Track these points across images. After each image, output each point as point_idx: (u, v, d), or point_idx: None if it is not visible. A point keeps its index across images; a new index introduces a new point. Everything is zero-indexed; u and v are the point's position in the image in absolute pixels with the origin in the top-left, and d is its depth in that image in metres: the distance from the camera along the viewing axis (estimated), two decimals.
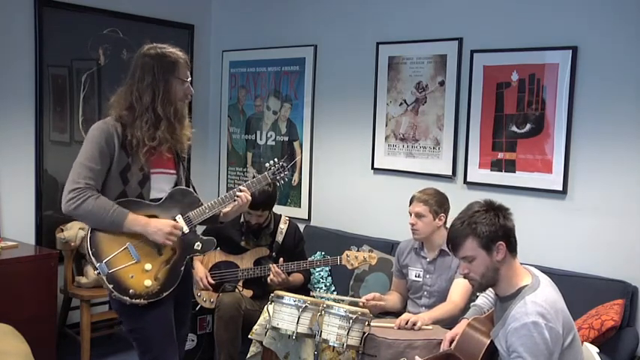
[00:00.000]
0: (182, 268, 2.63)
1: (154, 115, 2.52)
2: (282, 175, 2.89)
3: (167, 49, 2.59)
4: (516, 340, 2.08)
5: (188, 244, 2.64)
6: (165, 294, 2.55)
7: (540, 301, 2.11)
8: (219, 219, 2.82)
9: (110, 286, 2.47)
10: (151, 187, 2.59)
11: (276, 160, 2.92)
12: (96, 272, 2.49)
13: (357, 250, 3.49)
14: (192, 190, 2.73)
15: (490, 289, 2.45)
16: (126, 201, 2.53)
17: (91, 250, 2.49)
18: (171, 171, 2.69)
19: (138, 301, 2.49)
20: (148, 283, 2.52)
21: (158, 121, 2.53)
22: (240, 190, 2.74)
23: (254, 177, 2.87)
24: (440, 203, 3.22)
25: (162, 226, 2.52)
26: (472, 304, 2.70)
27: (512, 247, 2.25)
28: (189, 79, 2.63)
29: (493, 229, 2.22)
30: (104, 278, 2.47)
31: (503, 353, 2.17)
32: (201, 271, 3.72)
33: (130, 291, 2.48)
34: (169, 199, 2.63)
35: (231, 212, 2.79)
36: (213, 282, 3.70)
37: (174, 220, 2.60)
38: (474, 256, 2.25)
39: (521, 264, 2.32)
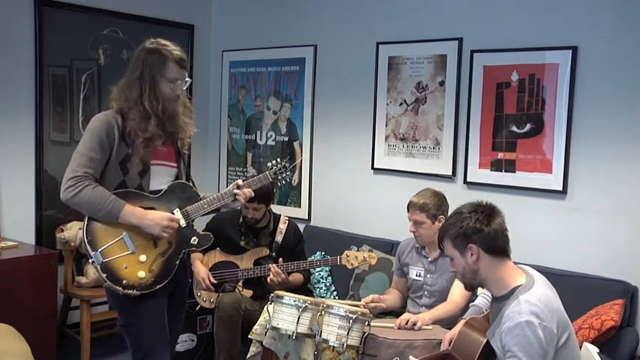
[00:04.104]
0: (177, 262, 2.63)
1: (143, 110, 2.52)
2: (283, 175, 2.89)
3: (164, 47, 2.57)
4: (511, 339, 2.08)
5: (184, 238, 2.65)
6: (158, 286, 2.56)
7: (534, 301, 2.11)
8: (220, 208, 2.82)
9: (104, 276, 2.49)
10: (150, 178, 2.59)
11: (278, 160, 2.92)
12: (90, 261, 2.51)
13: (357, 250, 3.49)
14: (191, 185, 2.73)
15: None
16: (124, 192, 2.54)
17: (87, 238, 2.50)
18: (172, 164, 2.69)
19: (130, 291, 2.50)
20: (141, 274, 2.53)
21: (147, 115, 2.53)
22: (238, 186, 2.72)
23: (254, 175, 2.87)
24: (437, 206, 3.20)
25: (158, 219, 2.53)
26: (471, 304, 2.70)
27: (491, 250, 2.23)
28: (180, 80, 2.59)
29: (462, 232, 2.24)
30: (98, 267, 2.49)
31: (499, 353, 2.17)
32: (202, 271, 3.72)
33: (124, 281, 2.49)
34: (168, 192, 2.63)
35: (231, 204, 2.80)
36: (215, 282, 3.70)
37: (172, 213, 2.61)
38: (452, 256, 2.31)
39: (518, 264, 2.32)
